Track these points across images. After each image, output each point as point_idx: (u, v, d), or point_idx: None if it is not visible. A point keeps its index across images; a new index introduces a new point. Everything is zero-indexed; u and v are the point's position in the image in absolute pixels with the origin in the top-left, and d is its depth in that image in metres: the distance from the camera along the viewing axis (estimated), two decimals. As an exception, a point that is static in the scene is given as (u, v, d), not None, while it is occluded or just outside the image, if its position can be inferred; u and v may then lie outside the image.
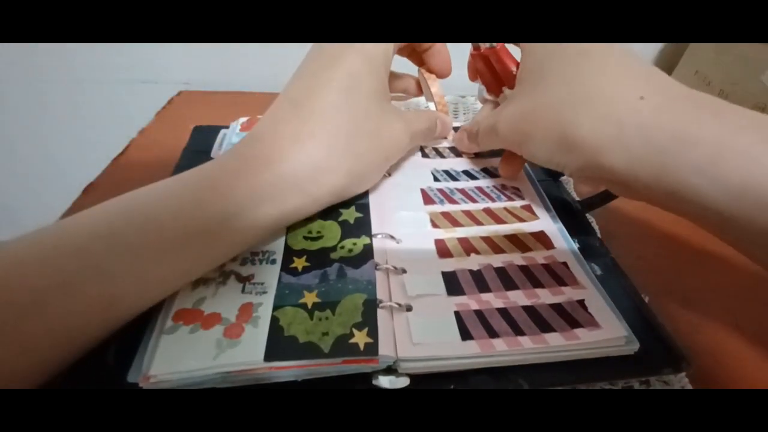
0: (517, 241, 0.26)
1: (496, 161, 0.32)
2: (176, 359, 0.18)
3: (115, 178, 0.35)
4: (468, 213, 0.28)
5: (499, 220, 0.27)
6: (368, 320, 0.20)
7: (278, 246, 0.24)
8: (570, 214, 0.29)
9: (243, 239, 0.22)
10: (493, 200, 0.29)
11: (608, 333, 0.20)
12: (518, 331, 0.20)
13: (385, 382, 0.19)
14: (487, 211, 0.28)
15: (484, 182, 0.31)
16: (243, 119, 0.35)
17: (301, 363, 0.18)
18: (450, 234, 0.26)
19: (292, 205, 0.23)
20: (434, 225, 0.27)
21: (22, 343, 0.16)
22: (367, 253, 0.24)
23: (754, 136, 0.18)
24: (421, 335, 0.20)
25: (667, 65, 0.51)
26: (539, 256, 0.25)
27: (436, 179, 0.31)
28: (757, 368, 0.24)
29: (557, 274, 0.24)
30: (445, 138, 0.34)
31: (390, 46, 0.26)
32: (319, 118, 0.23)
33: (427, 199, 0.29)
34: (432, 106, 0.33)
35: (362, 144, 0.24)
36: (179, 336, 0.19)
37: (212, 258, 0.21)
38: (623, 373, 0.21)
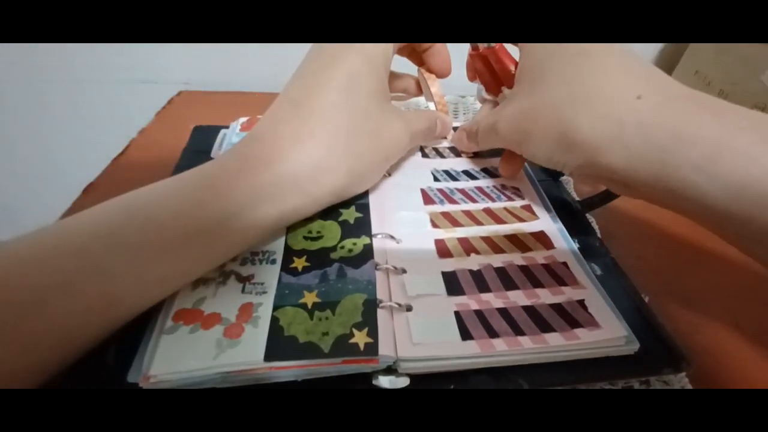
0: (517, 241, 0.26)
1: (496, 161, 0.32)
2: (176, 359, 0.18)
3: (115, 178, 0.35)
4: (468, 213, 0.28)
5: (499, 220, 0.27)
6: (368, 320, 0.20)
7: (278, 246, 0.24)
8: (570, 214, 0.29)
9: (243, 239, 0.22)
10: (493, 200, 0.29)
11: (608, 333, 0.20)
12: (518, 331, 0.20)
13: (385, 382, 0.19)
14: (487, 211, 0.28)
15: (484, 182, 0.31)
16: (243, 119, 0.35)
17: (301, 363, 0.18)
18: (450, 234, 0.26)
19: (292, 205, 0.23)
20: (434, 225, 0.27)
21: (22, 343, 0.16)
22: (367, 253, 0.24)
23: (754, 136, 0.18)
24: (421, 335, 0.20)
25: (667, 65, 0.51)
26: (539, 256, 0.25)
27: (436, 179, 0.31)
28: (757, 368, 0.24)
29: (557, 274, 0.24)
30: (445, 138, 0.34)
31: (390, 46, 0.26)
32: (319, 118, 0.23)
33: (427, 199, 0.29)
34: (432, 105, 0.33)
35: (362, 144, 0.24)
36: (179, 336, 0.19)
37: (212, 258, 0.21)
38: (623, 373, 0.21)
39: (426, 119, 0.30)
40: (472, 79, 0.31)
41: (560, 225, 0.27)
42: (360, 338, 0.19)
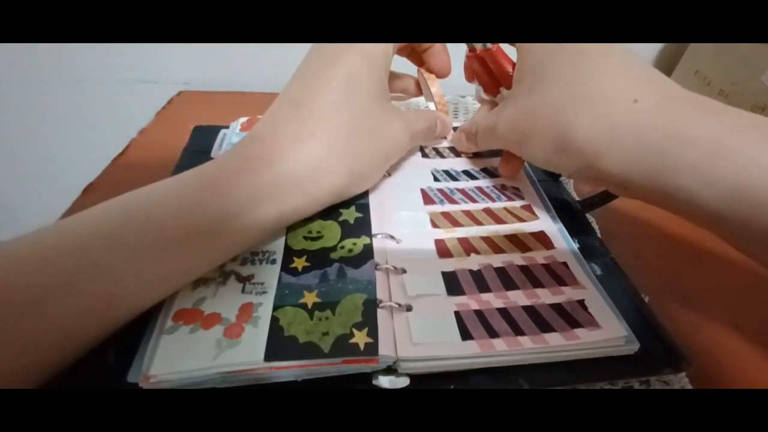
0: (517, 241, 0.26)
1: (496, 161, 0.32)
2: (176, 359, 0.18)
3: (115, 178, 0.35)
4: (468, 213, 0.28)
5: (499, 220, 0.27)
6: (368, 320, 0.20)
7: (278, 246, 0.24)
8: (570, 214, 0.29)
9: (243, 239, 0.22)
10: (493, 200, 0.29)
11: (608, 333, 0.20)
12: (518, 331, 0.20)
13: (385, 382, 0.19)
14: (487, 211, 0.28)
15: (484, 182, 0.31)
16: (243, 119, 0.35)
17: (301, 363, 0.18)
18: (450, 234, 0.26)
19: (292, 204, 0.23)
20: (434, 225, 0.27)
21: (22, 343, 0.16)
22: (367, 253, 0.24)
23: (751, 137, 0.18)
24: (421, 335, 0.20)
25: (667, 65, 0.51)
26: (539, 256, 0.25)
27: (436, 179, 0.31)
28: (757, 368, 0.24)
29: (557, 274, 0.24)
30: (445, 138, 0.34)
31: (390, 46, 0.26)
32: (319, 117, 0.23)
33: (427, 199, 0.29)
34: (432, 106, 0.33)
35: (362, 144, 0.24)
36: (179, 336, 0.19)
37: (212, 258, 0.21)
38: (623, 373, 0.21)
39: (426, 119, 0.30)
40: (470, 79, 0.31)
41: (560, 225, 0.27)
42: (360, 338, 0.19)
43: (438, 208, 0.28)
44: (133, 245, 0.18)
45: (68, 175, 0.39)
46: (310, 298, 0.21)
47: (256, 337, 0.19)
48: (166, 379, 0.18)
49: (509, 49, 0.28)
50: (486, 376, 0.20)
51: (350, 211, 0.26)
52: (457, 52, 0.31)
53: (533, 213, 0.28)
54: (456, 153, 0.33)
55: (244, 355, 0.18)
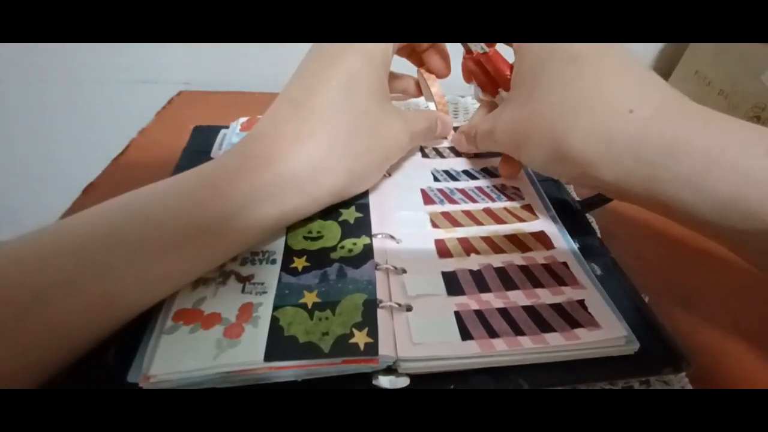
0: (517, 241, 0.26)
1: (496, 161, 0.32)
2: (176, 359, 0.18)
3: (115, 178, 0.35)
4: (468, 213, 0.28)
5: (499, 220, 0.27)
6: (368, 320, 0.20)
7: (278, 246, 0.24)
8: (570, 214, 0.29)
9: (243, 239, 0.22)
10: (493, 200, 0.29)
11: (608, 333, 0.20)
12: (518, 331, 0.20)
13: (385, 382, 0.19)
14: (487, 211, 0.28)
15: (484, 182, 0.31)
16: (243, 119, 0.35)
17: (301, 363, 0.18)
18: (450, 234, 0.26)
19: (292, 204, 0.23)
20: (434, 225, 0.27)
21: (22, 342, 0.16)
22: (367, 253, 0.24)
23: (744, 147, 0.18)
24: (421, 335, 0.20)
25: (667, 65, 0.51)
26: (539, 256, 0.25)
27: (436, 179, 0.31)
28: (757, 368, 0.24)
29: (557, 274, 0.24)
30: (446, 138, 0.34)
31: (389, 46, 0.26)
32: (318, 117, 0.23)
33: (427, 199, 0.29)
34: (432, 106, 0.33)
35: (362, 143, 0.24)
36: (179, 336, 0.19)
37: (212, 258, 0.21)
38: (623, 373, 0.21)
39: (426, 119, 0.30)
40: (468, 80, 0.31)
41: (560, 225, 0.27)
42: (360, 338, 0.19)
43: (438, 208, 0.28)
44: (133, 245, 0.18)
45: (68, 175, 0.39)
46: (310, 298, 0.21)
47: (256, 337, 0.19)
48: (166, 379, 0.18)
49: (507, 51, 0.28)
50: (486, 376, 0.20)
51: (350, 211, 0.26)
52: (456, 52, 0.31)
53: (533, 213, 0.28)
54: (456, 153, 0.33)
55: (244, 355, 0.18)
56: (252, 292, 0.21)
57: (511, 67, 0.27)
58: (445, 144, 0.34)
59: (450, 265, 0.24)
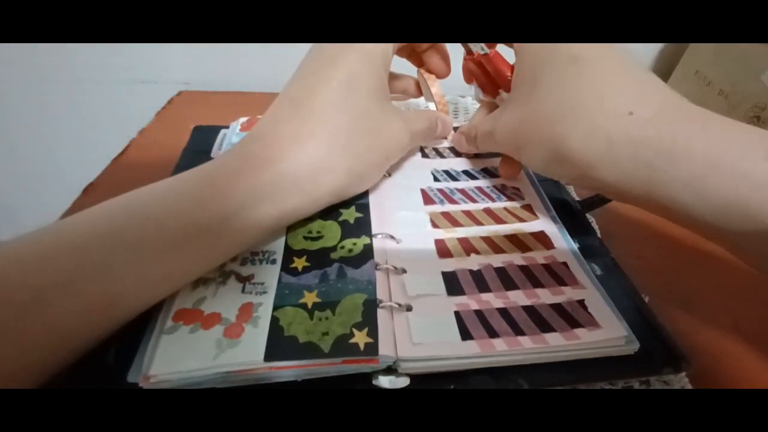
0: (517, 241, 0.26)
1: (496, 161, 0.32)
2: (176, 359, 0.18)
3: (115, 178, 0.35)
4: (468, 213, 0.28)
5: (499, 220, 0.27)
6: (368, 320, 0.20)
7: (278, 246, 0.24)
8: (570, 214, 0.29)
9: (243, 239, 0.22)
10: (493, 200, 0.29)
11: (608, 333, 0.20)
12: (518, 331, 0.20)
13: (385, 382, 0.19)
14: (487, 211, 0.28)
15: (484, 182, 0.31)
16: (243, 119, 0.35)
17: (301, 363, 0.18)
18: (450, 234, 0.26)
19: (292, 204, 0.23)
20: (434, 225, 0.27)
21: (22, 342, 0.16)
22: (367, 253, 0.24)
23: (743, 150, 0.18)
24: (421, 335, 0.20)
25: (667, 65, 0.51)
26: (539, 256, 0.25)
27: (436, 179, 0.31)
28: (757, 368, 0.24)
29: (557, 274, 0.24)
30: (446, 138, 0.34)
31: (389, 46, 0.26)
32: (318, 117, 0.23)
33: (427, 199, 0.29)
34: (432, 106, 0.33)
35: (362, 143, 0.24)
36: (179, 336, 0.19)
37: (212, 257, 0.21)
38: (623, 373, 0.21)
39: (426, 119, 0.30)
40: (468, 81, 0.31)
41: (560, 225, 0.27)
42: (360, 338, 0.19)
43: (438, 208, 0.28)
44: (133, 245, 0.18)
45: (68, 175, 0.39)
46: (310, 298, 0.21)
47: (256, 337, 0.19)
48: (166, 379, 0.18)
49: (507, 52, 0.28)
50: (486, 376, 0.20)
51: (350, 211, 0.26)
52: (457, 53, 0.31)
53: (533, 213, 0.28)
54: (456, 153, 0.33)
55: (244, 355, 0.18)
56: (252, 292, 0.21)
57: (512, 68, 0.27)
58: (445, 144, 0.34)
59: (450, 265, 0.24)
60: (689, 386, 0.21)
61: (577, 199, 0.31)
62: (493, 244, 0.26)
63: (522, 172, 0.32)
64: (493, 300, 0.22)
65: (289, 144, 0.22)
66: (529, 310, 0.22)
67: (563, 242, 0.26)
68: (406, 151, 0.29)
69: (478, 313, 0.21)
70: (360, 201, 0.27)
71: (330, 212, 0.26)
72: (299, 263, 0.23)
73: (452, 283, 0.23)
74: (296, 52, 0.26)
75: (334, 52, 0.24)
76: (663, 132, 0.19)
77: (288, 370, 0.18)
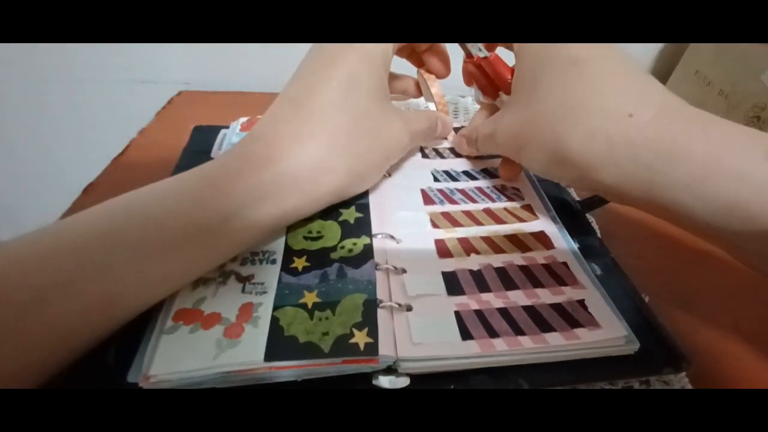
0: (517, 241, 0.26)
1: (496, 162, 0.32)
2: (176, 359, 0.18)
3: (115, 178, 0.35)
4: (468, 213, 0.28)
5: (499, 221, 0.27)
6: (368, 320, 0.20)
7: (278, 246, 0.24)
8: (570, 214, 0.29)
9: (243, 238, 0.22)
10: (493, 200, 0.29)
11: (608, 333, 0.20)
12: (518, 331, 0.20)
13: (385, 382, 0.19)
14: (487, 212, 0.28)
15: (484, 183, 0.31)
16: (243, 119, 0.35)
17: (301, 363, 0.18)
18: (450, 234, 0.26)
19: (292, 204, 0.23)
20: (434, 225, 0.27)
21: (22, 342, 0.16)
22: (367, 253, 0.24)
23: (742, 152, 0.18)
24: (421, 335, 0.20)
25: (667, 65, 0.51)
26: (539, 256, 0.25)
27: (436, 179, 0.31)
28: (757, 368, 0.24)
29: (557, 274, 0.24)
30: (446, 138, 0.34)
31: (389, 46, 0.26)
32: (318, 117, 0.23)
33: (427, 199, 0.29)
34: (432, 106, 0.33)
35: (362, 143, 0.24)
36: (179, 336, 0.19)
37: (212, 257, 0.21)
38: (623, 373, 0.21)
39: (426, 119, 0.30)
40: (468, 84, 0.31)
41: (560, 225, 0.27)
42: (360, 338, 0.19)
43: (438, 208, 0.28)
44: (133, 245, 0.18)
45: (68, 175, 0.39)
46: (310, 298, 0.21)
47: (256, 337, 0.19)
48: (166, 379, 0.18)
49: (507, 55, 0.28)
50: (486, 376, 0.20)
51: (350, 211, 0.26)
52: (457, 53, 0.30)
53: (533, 213, 0.28)
54: (456, 154, 0.33)
55: (244, 355, 0.18)
56: (252, 292, 0.21)
57: (512, 71, 0.27)
58: (445, 144, 0.34)
59: (450, 265, 0.24)
60: (689, 386, 0.21)
61: (577, 199, 0.31)
62: (493, 244, 0.26)
63: (522, 173, 0.32)
64: (493, 300, 0.22)
65: (289, 144, 0.22)
66: (529, 310, 0.22)
67: (563, 242, 0.26)
68: (406, 151, 0.29)
69: (478, 313, 0.21)
70: (360, 201, 0.27)
71: (330, 212, 0.26)
72: (299, 263, 0.23)
73: (452, 283, 0.23)
74: (296, 52, 0.26)
75: (334, 52, 0.24)
76: (663, 134, 0.19)
77: (288, 370, 0.18)
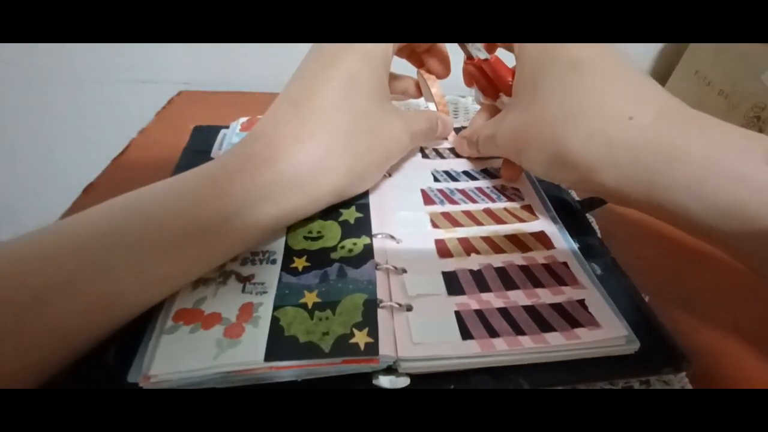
0: (517, 241, 0.26)
1: (496, 162, 0.32)
2: (176, 359, 0.18)
3: (115, 178, 0.35)
4: (468, 213, 0.28)
5: (499, 221, 0.27)
6: (368, 320, 0.20)
7: (278, 246, 0.24)
8: (570, 214, 0.29)
9: (243, 238, 0.22)
10: (493, 201, 0.29)
11: (608, 332, 0.20)
12: (518, 331, 0.20)
13: (385, 382, 0.19)
14: (487, 212, 0.28)
15: (484, 183, 0.31)
16: (243, 119, 0.35)
17: (301, 363, 0.18)
18: (450, 234, 0.26)
19: (292, 204, 0.23)
20: (434, 225, 0.27)
21: (22, 342, 0.16)
22: (368, 253, 0.24)
23: (742, 154, 0.18)
24: (421, 335, 0.20)
25: (667, 65, 0.51)
26: (539, 256, 0.25)
27: (436, 180, 0.31)
28: (757, 368, 0.24)
29: (557, 274, 0.24)
30: (446, 138, 0.34)
31: (389, 46, 0.26)
32: (318, 117, 0.23)
33: (428, 199, 0.29)
34: (432, 106, 0.33)
35: (362, 143, 0.24)
36: (179, 336, 0.19)
37: (213, 257, 0.21)
38: (623, 373, 0.21)
39: (426, 119, 0.30)
40: (469, 85, 0.31)
41: (560, 225, 0.27)
42: (360, 338, 0.19)
43: (438, 208, 0.28)
44: (133, 245, 0.18)
45: (68, 175, 0.39)
46: (310, 298, 0.21)
47: (257, 337, 0.19)
48: (166, 379, 0.18)
49: (507, 56, 0.28)
50: (486, 376, 0.20)
51: (350, 211, 0.26)
52: (457, 53, 0.31)
53: (533, 213, 0.28)
54: (456, 154, 0.33)
55: (245, 355, 0.18)
56: (252, 292, 0.21)
57: (512, 72, 0.27)
58: (446, 145, 0.34)
59: (450, 265, 0.24)
60: (689, 386, 0.21)
61: (577, 199, 0.31)
62: (493, 244, 0.26)
63: (522, 173, 0.32)
64: (493, 300, 0.22)
65: (289, 144, 0.22)
66: (530, 309, 0.22)
67: (563, 242, 0.26)
68: (406, 151, 0.29)
69: (479, 313, 0.21)
70: (360, 201, 0.27)
71: (330, 212, 0.26)
72: (299, 263, 0.23)
73: (452, 283, 0.23)
74: (296, 52, 0.26)
75: (334, 52, 0.24)
76: (662, 136, 0.19)
77: (288, 370, 0.18)
